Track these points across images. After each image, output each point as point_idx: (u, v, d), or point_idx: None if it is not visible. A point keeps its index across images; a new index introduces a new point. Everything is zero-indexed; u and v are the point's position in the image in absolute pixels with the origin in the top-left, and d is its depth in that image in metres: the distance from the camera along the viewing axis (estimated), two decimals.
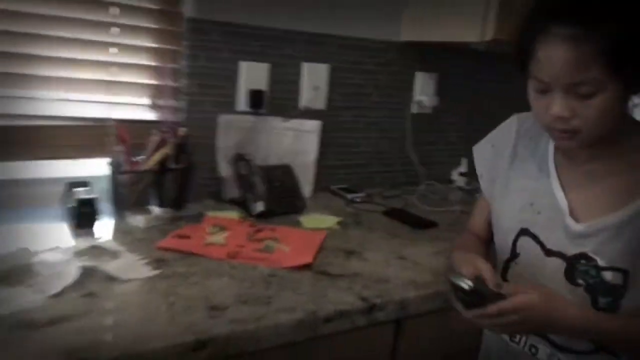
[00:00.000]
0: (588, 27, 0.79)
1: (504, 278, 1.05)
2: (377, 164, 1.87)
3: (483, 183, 1.15)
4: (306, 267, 1.13)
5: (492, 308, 0.85)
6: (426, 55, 1.88)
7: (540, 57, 0.84)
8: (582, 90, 0.82)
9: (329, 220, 1.46)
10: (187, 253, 1.14)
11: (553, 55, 0.82)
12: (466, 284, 0.87)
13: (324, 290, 1.04)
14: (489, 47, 1.85)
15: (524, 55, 0.87)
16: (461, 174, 2.00)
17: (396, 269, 1.18)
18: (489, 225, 1.13)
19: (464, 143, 2.03)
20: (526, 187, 1.02)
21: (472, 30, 1.54)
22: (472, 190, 1.94)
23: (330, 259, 1.20)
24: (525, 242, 1.00)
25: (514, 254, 1.03)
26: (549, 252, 0.96)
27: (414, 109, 1.90)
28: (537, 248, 0.98)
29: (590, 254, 0.90)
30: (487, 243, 1.14)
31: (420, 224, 1.51)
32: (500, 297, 0.85)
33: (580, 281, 0.91)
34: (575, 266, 0.91)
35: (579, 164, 0.96)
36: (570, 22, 0.80)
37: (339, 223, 1.45)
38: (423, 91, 1.88)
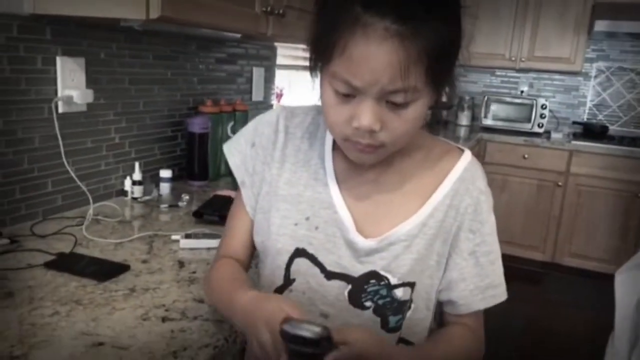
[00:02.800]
0: (415, 23, 0.63)
1: None
2: (18, 189, 1.32)
3: (245, 192, 0.89)
4: None
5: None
6: (67, 34, 1.39)
7: (353, 56, 0.64)
8: (397, 99, 0.66)
9: None
10: None
11: (372, 56, 0.63)
12: (313, 333, 0.62)
13: None
14: (146, 26, 1.51)
15: (324, 48, 0.67)
16: (135, 183, 1.61)
17: None
18: (251, 246, 0.91)
19: (133, 144, 1.66)
20: (301, 198, 0.83)
21: (131, 4, 1.16)
22: (151, 200, 1.60)
23: None
24: (301, 265, 0.82)
25: (287, 281, 0.84)
26: (330, 275, 0.82)
27: (61, 108, 1.40)
28: (316, 271, 0.82)
29: (382, 272, 0.80)
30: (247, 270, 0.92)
31: (106, 271, 1.08)
32: (330, 344, 0.65)
33: (368, 303, 0.81)
34: (363, 287, 0.81)
35: (363, 172, 0.81)
36: (393, 15, 0.63)
37: None
38: (71, 83, 1.40)
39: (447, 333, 0.86)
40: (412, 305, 0.82)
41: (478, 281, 0.82)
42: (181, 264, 1.16)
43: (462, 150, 0.86)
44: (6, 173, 1.28)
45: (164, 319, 0.92)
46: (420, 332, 0.85)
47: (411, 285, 0.80)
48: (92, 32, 1.46)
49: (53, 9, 1.24)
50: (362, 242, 0.80)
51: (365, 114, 0.68)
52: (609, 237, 3.63)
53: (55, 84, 1.37)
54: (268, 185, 0.86)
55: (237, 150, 0.90)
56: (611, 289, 1.62)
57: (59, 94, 1.38)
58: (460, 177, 0.82)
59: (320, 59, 0.71)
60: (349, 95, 0.69)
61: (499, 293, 0.84)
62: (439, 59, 0.66)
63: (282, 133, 0.87)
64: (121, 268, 1.10)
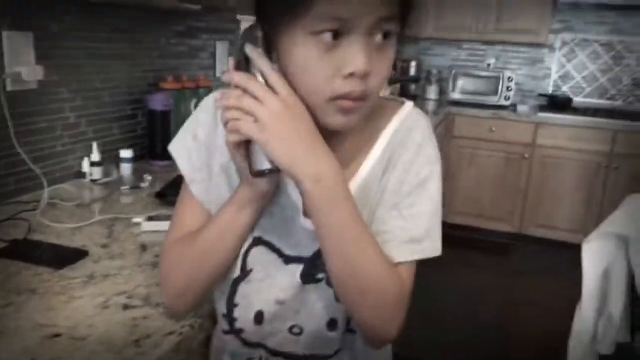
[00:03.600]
0: None
1: (231, 302, 0.79)
2: None
3: (196, 189, 0.79)
4: None
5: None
6: (14, 7, 1.30)
7: None
8: (387, 29, 0.62)
9: None
10: None
11: None
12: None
13: None
14: None
15: None
16: (94, 164, 1.54)
17: None
18: None
19: (90, 124, 1.58)
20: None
21: None
22: (111, 182, 1.54)
23: None
24: (259, 254, 0.77)
25: (244, 272, 0.78)
26: (288, 259, 0.77)
27: (10, 86, 1.31)
28: (274, 257, 0.77)
29: None
30: None
31: (64, 258, 1.03)
32: None
33: (321, 275, 0.76)
34: (315, 264, 0.76)
35: None
36: None
37: None
38: (19, 60, 1.31)
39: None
40: None
41: (401, 234, 0.74)
42: (144, 247, 1.11)
43: (404, 103, 0.79)
44: None
45: (125, 307, 0.87)
46: None
47: None
48: (41, 5, 1.37)
49: None
50: (308, 224, 0.73)
51: (360, 54, 0.61)
52: (574, 207, 3.71)
53: (2, 60, 1.28)
54: (217, 176, 0.79)
55: (181, 147, 0.80)
56: (578, 257, 1.65)
57: (6, 70, 1.29)
58: (397, 129, 0.76)
59: (290, 11, 0.62)
60: (336, 38, 0.61)
61: (425, 248, 0.74)
62: None
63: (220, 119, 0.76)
64: (79, 254, 1.05)
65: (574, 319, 1.64)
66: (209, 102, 0.80)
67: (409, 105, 0.79)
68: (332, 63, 0.63)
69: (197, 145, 0.79)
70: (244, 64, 0.65)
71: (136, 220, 1.23)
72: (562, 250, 3.67)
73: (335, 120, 0.67)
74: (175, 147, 0.81)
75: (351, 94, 0.64)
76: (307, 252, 0.76)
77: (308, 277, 0.77)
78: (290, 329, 0.79)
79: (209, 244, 0.75)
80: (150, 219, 1.21)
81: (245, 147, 0.66)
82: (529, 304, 3.02)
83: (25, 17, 1.33)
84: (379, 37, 0.63)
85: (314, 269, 0.77)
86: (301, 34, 0.62)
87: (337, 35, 0.61)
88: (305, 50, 0.63)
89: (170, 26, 1.90)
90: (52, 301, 0.88)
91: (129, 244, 1.12)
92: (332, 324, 0.79)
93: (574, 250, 3.42)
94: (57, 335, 0.78)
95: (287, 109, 0.63)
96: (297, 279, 0.77)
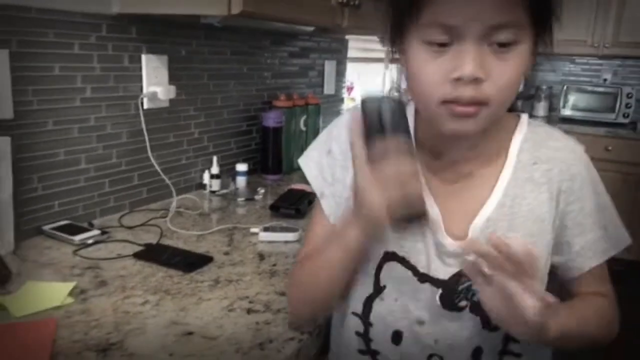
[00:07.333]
0: None
1: (367, 321, 0.80)
2: (107, 183, 1.38)
3: (326, 203, 0.84)
4: None
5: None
6: (151, 32, 1.44)
7: None
8: (501, 37, 0.61)
9: (56, 293, 0.94)
10: None
11: None
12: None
13: None
14: (225, 22, 1.54)
15: (410, 2, 0.63)
16: (213, 176, 1.65)
17: None
18: None
19: (211, 139, 1.69)
20: None
21: (213, 0, 1.18)
22: (228, 194, 1.63)
23: None
24: (392, 270, 0.77)
25: (377, 288, 0.78)
26: (423, 278, 0.76)
27: (146, 104, 1.45)
28: (408, 274, 0.76)
29: None
30: None
31: (191, 262, 1.11)
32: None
33: (463, 303, 0.75)
34: (454, 288, 0.75)
35: (450, 163, 0.75)
36: None
37: (73, 293, 0.96)
38: (154, 80, 1.44)
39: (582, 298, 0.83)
40: None
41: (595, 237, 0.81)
42: (261, 256, 1.17)
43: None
44: (97, 167, 1.34)
45: (248, 311, 0.93)
46: None
47: None
48: (173, 30, 1.50)
49: (138, 8, 1.28)
50: (450, 245, 0.75)
51: (467, 59, 0.61)
52: None
53: (140, 80, 1.42)
54: (349, 190, 0.80)
55: (312, 162, 0.85)
56: None
57: (144, 90, 1.43)
58: (524, 138, 0.79)
59: (406, 17, 0.65)
60: (445, 45, 0.63)
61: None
62: None
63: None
64: (205, 259, 1.13)
65: None
66: (345, 119, 0.82)
67: (525, 115, 0.85)
68: (442, 67, 0.64)
69: (331, 160, 0.82)
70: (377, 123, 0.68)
71: (253, 230, 1.30)
72: None
73: (449, 125, 0.68)
74: (306, 161, 0.86)
75: (460, 98, 0.64)
76: (442, 275, 0.75)
77: (448, 303, 0.75)
78: (429, 358, 0.77)
79: (314, 272, 0.79)
80: (266, 229, 1.28)
81: None
82: None
83: (160, 42, 1.47)
84: (496, 44, 0.62)
85: (454, 293, 0.75)
86: (415, 40, 0.65)
87: (446, 43, 0.63)
88: (418, 55, 0.66)
89: (283, 47, 2.00)
90: (183, 301, 0.96)
91: (247, 252, 1.19)
92: (477, 353, 0.76)
93: None
94: (190, 333, 0.85)
95: None
96: (437, 301, 0.75)
